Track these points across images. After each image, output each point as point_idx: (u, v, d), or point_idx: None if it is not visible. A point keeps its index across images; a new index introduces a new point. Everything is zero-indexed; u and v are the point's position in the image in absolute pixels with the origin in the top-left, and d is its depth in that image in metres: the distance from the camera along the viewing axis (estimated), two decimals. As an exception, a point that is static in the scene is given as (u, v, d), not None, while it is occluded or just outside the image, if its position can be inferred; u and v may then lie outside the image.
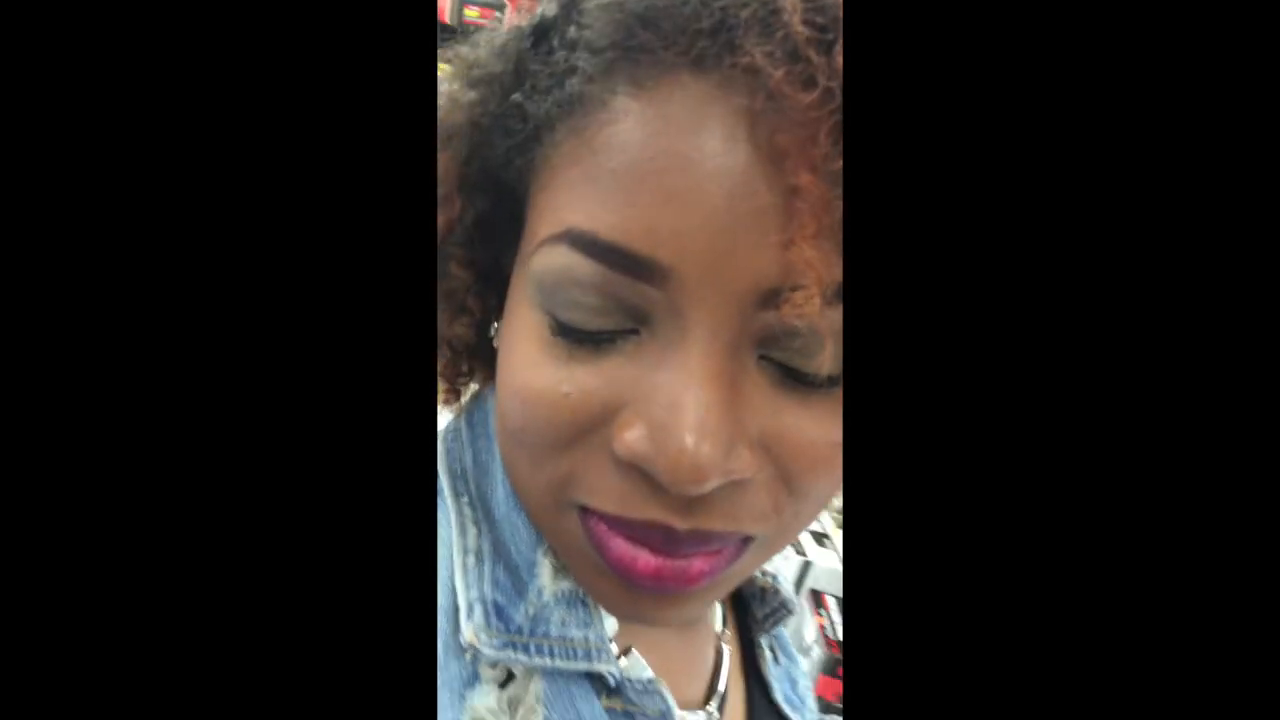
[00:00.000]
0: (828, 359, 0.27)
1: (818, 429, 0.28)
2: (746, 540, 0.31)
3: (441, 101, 0.34)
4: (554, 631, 0.34)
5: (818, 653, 1.61)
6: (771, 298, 0.26)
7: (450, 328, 0.36)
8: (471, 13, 3.64)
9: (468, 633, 0.32)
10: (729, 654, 0.44)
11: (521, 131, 0.30)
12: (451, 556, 0.35)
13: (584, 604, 0.35)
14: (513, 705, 0.33)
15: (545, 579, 0.34)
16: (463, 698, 0.32)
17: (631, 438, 0.27)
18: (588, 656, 0.34)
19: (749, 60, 0.24)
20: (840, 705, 1.40)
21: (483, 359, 0.39)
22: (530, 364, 0.29)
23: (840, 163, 0.25)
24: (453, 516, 0.36)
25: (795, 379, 0.27)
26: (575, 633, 0.34)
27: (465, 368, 0.39)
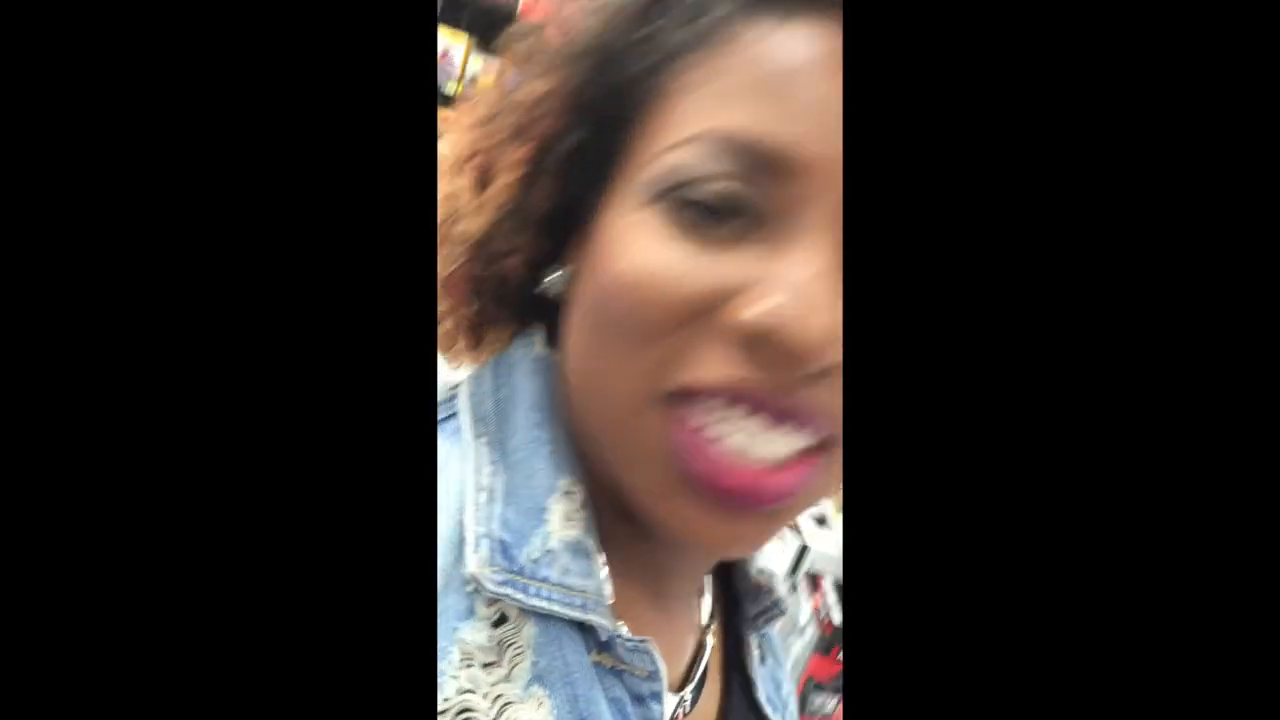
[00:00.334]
0: None
1: None
2: (823, 446, 0.31)
3: (549, 31, 0.35)
4: (554, 577, 0.34)
5: (811, 633, 1.87)
6: None
7: (491, 267, 0.36)
8: None
9: (472, 564, 0.32)
10: (711, 646, 0.44)
11: (652, 56, 0.32)
12: (462, 492, 0.34)
13: (586, 555, 0.34)
14: (502, 646, 0.32)
15: (554, 524, 0.34)
16: (455, 629, 0.32)
17: (757, 311, 0.28)
18: (584, 607, 0.34)
19: None
20: (831, 686, 1.65)
21: (514, 306, 0.39)
22: (643, 253, 0.30)
23: None
24: (470, 453, 0.36)
25: None
26: (575, 581, 0.34)
27: (493, 314, 0.39)
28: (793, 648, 1.96)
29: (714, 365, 0.30)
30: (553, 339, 0.39)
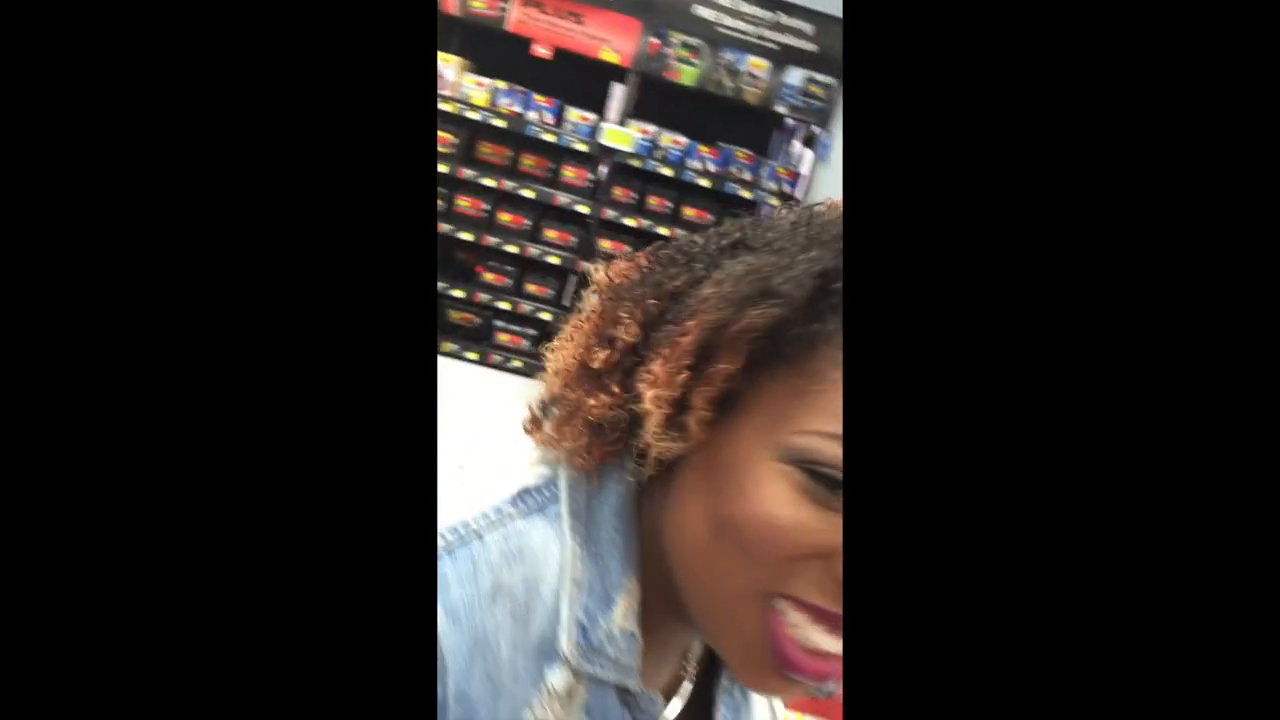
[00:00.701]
0: None
1: None
2: None
3: (741, 285, 0.41)
4: (610, 654, 0.44)
5: None
6: None
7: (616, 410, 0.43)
8: (478, 4, 3.77)
9: (565, 645, 0.43)
10: (686, 689, 0.53)
11: (809, 334, 0.39)
12: (559, 574, 0.44)
13: (634, 640, 0.44)
14: (571, 694, 0.43)
15: (618, 616, 0.44)
16: (545, 677, 0.43)
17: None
18: (624, 674, 0.44)
19: None
20: None
21: (617, 441, 0.45)
22: (780, 506, 0.38)
23: None
24: (568, 545, 0.44)
25: None
26: (624, 659, 0.44)
27: (611, 441, 0.44)
28: None
29: (812, 589, 0.39)
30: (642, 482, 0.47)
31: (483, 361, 4.03)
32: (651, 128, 3.93)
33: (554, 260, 4.03)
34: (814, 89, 3.93)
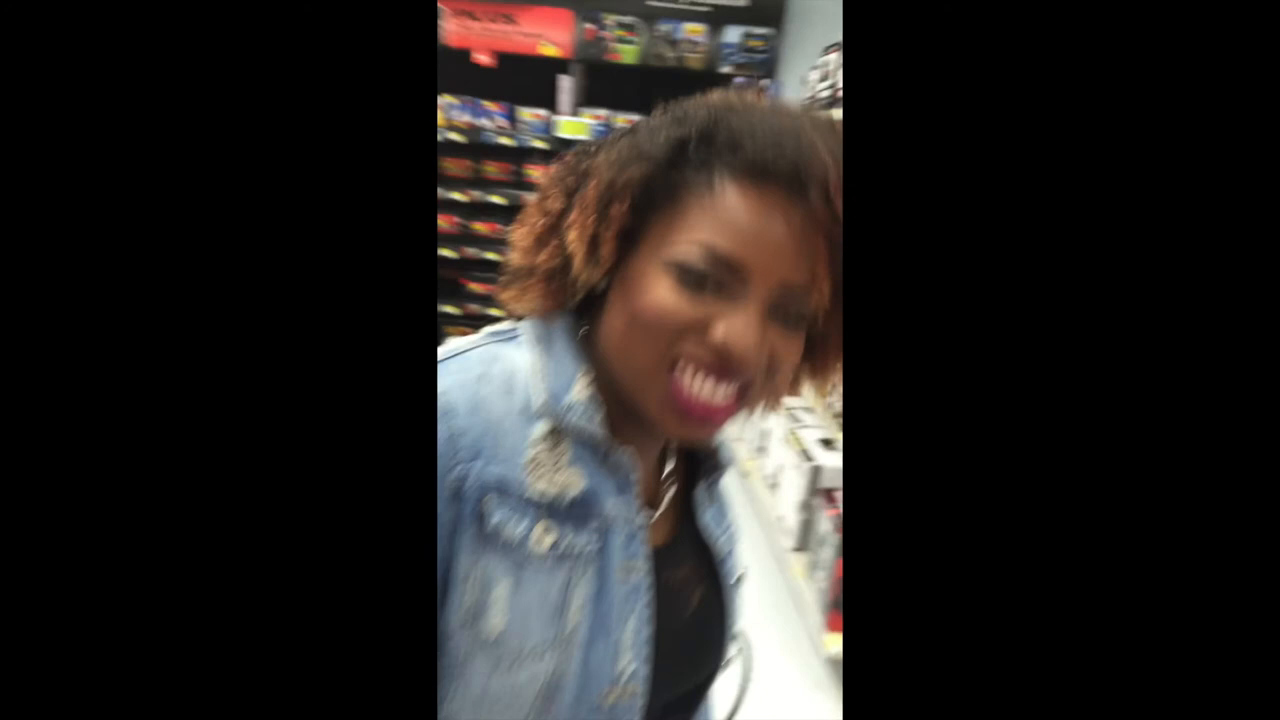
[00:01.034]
0: (804, 316, 0.56)
1: (788, 348, 0.56)
2: (745, 388, 0.56)
3: (622, 153, 0.58)
4: (578, 411, 0.59)
5: (833, 541, 2.01)
6: (785, 287, 0.54)
7: (581, 267, 0.58)
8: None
9: (542, 406, 0.59)
10: (671, 490, 0.69)
11: (676, 180, 0.56)
12: (528, 371, 0.60)
13: (595, 405, 0.60)
14: (553, 442, 0.58)
15: (576, 391, 0.59)
16: (531, 433, 0.58)
17: (720, 334, 0.53)
18: (594, 424, 0.59)
19: (794, 184, 0.53)
20: None
21: (571, 296, 0.62)
22: (663, 294, 0.54)
23: (835, 231, 0.53)
24: (530, 355, 0.61)
25: (784, 324, 0.55)
26: (589, 416, 0.59)
27: (558, 288, 0.62)
28: (821, 555, 2.12)
29: (697, 354, 0.55)
30: (582, 320, 0.65)
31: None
32: (604, 112, 3.99)
33: (535, 259, 4.09)
34: (754, 43, 3.98)
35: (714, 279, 0.53)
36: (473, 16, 3.90)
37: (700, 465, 0.72)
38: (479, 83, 3.98)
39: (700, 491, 0.72)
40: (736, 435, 3.05)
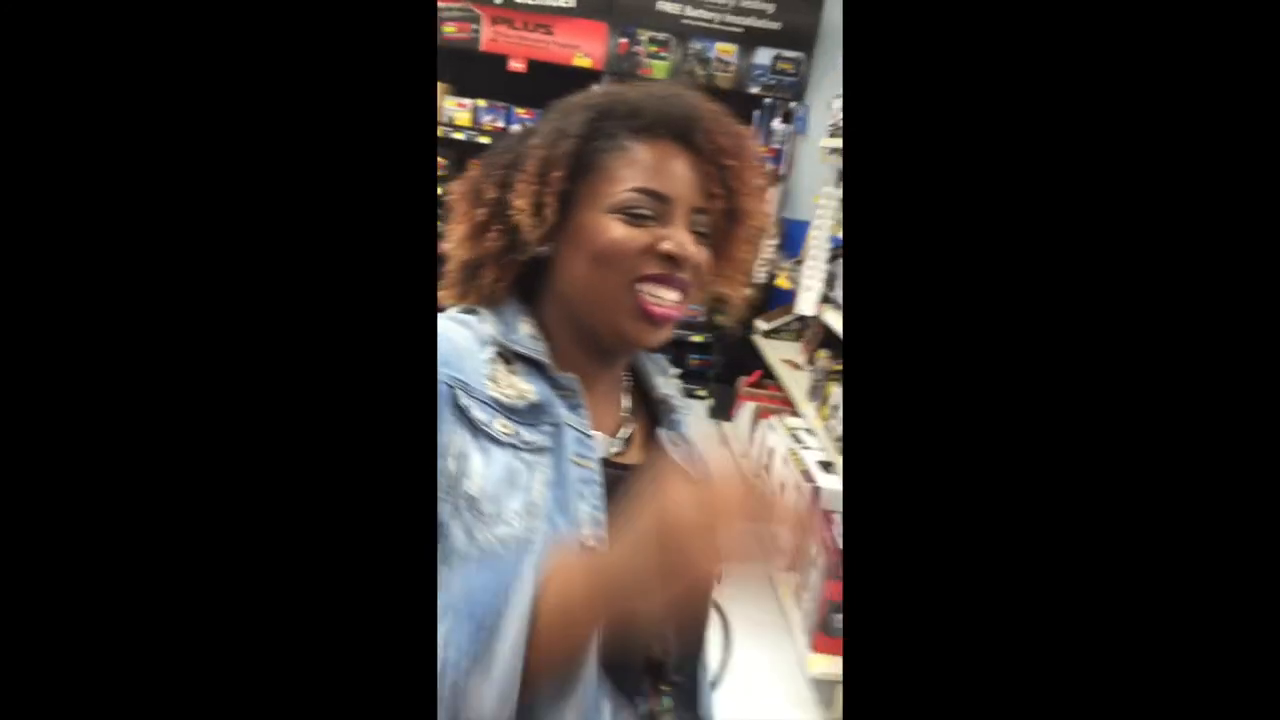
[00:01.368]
0: (708, 227, 0.74)
1: (702, 252, 0.72)
2: (685, 291, 0.72)
3: (547, 135, 0.74)
4: (526, 342, 0.73)
5: (823, 561, 2.04)
6: (695, 207, 0.72)
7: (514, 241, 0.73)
8: (450, 29, 3.92)
9: (494, 338, 0.73)
10: (625, 431, 0.80)
11: (609, 140, 0.73)
12: (480, 328, 0.73)
13: (538, 339, 0.74)
14: (508, 364, 0.71)
15: (522, 330, 0.74)
16: (486, 367, 0.70)
17: (669, 246, 0.69)
18: (540, 354, 0.74)
19: (684, 131, 0.73)
20: (842, 604, 1.81)
21: (515, 271, 0.76)
22: (615, 231, 0.69)
23: (717, 174, 0.73)
24: (485, 317, 0.74)
25: (698, 234, 0.72)
26: (535, 345, 0.74)
27: (508, 262, 0.75)
28: (809, 578, 2.16)
29: (653, 266, 0.70)
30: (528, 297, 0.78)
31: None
32: (632, 125, 4.05)
33: (557, 265, 4.16)
34: (784, 65, 4.02)
35: (650, 211, 0.70)
36: (511, 24, 3.98)
37: (657, 408, 0.85)
38: (514, 89, 4.05)
39: (664, 433, 0.83)
40: (728, 435, 3.09)
